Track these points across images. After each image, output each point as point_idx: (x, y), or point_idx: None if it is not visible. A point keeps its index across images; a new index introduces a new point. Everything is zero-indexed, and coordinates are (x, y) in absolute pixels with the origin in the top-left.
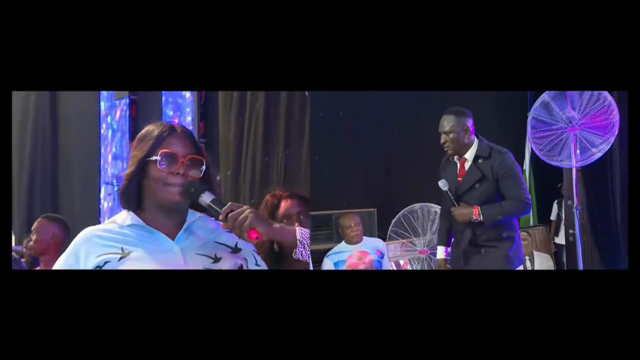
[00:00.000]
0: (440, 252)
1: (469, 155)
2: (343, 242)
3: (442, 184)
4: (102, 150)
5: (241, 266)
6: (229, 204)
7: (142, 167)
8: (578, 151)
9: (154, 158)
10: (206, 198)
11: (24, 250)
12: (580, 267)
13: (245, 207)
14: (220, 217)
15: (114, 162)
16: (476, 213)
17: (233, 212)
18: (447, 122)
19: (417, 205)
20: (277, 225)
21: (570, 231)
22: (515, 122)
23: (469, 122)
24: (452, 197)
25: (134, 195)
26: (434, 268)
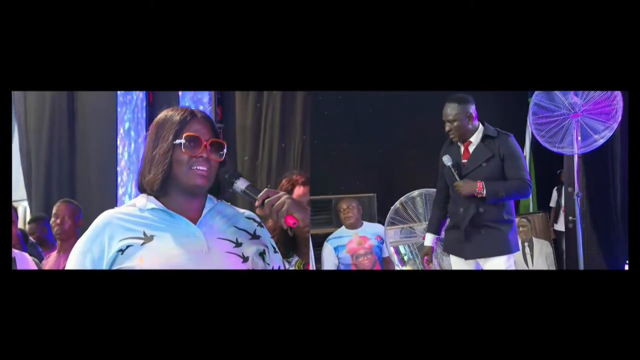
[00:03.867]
0: (429, 240)
1: (474, 138)
2: (343, 227)
3: (447, 159)
4: (119, 133)
5: (263, 251)
6: (265, 190)
7: (171, 155)
8: (579, 138)
9: (178, 141)
10: (241, 184)
11: (34, 237)
12: (580, 254)
13: (282, 192)
14: (257, 203)
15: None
16: (480, 186)
17: (270, 198)
18: (450, 110)
19: (415, 192)
20: None
21: (570, 218)
22: (516, 108)
23: (472, 108)
24: (455, 172)
25: (165, 183)
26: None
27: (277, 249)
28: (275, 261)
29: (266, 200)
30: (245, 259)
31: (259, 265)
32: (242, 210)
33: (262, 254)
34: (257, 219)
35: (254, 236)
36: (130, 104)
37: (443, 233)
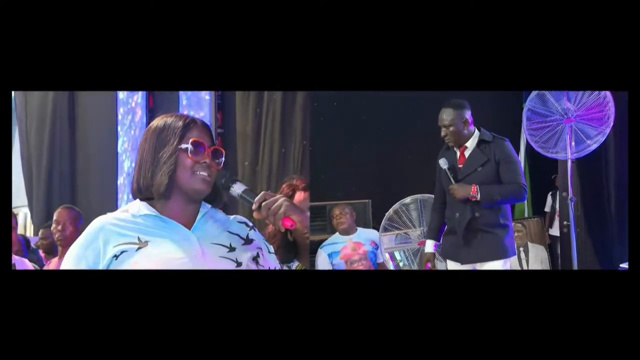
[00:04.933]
0: (429, 246)
1: (470, 143)
2: (337, 233)
3: (443, 162)
4: (120, 141)
5: (257, 255)
6: (262, 193)
7: (176, 158)
8: (573, 143)
9: (184, 146)
10: (238, 188)
11: (41, 242)
12: (575, 258)
13: (278, 195)
14: (254, 207)
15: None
16: (474, 190)
17: (267, 201)
18: (446, 116)
19: (407, 199)
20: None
21: (565, 222)
22: (510, 113)
23: (467, 114)
24: (451, 176)
25: (168, 187)
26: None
27: (272, 250)
28: (271, 262)
29: (263, 203)
30: (238, 264)
31: (253, 269)
32: (233, 216)
33: (255, 258)
34: (249, 223)
35: (247, 240)
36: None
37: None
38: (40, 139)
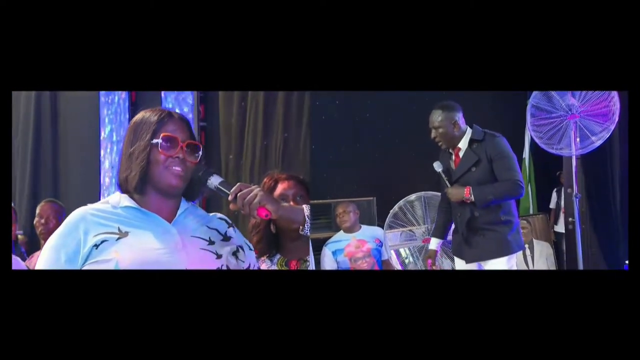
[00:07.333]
0: (433, 244)
1: (462, 144)
2: (341, 231)
3: (437, 166)
4: (102, 135)
5: (237, 250)
6: (237, 184)
7: (148, 153)
8: (578, 139)
9: (155, 141)
10: (214, 181)
11: (21, 237)
12: (580, 255)
13: (254, 186)
14: (230, 197)
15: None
16: (467, 193)
17: (242, 192)
18: (435, 118)
19: (412, 196)
20: (285, 204)
21: (570, 219)
22: (514, 109)
23: (457, 116)
24: (446, 179)
25: (142, 182)
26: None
27: (251, 247)
28: (251, 259)
29: (238, 194)
30: (219, 256)
31: (232, 263)
32: (213, 213)
33: (235, 253)
34: (229, 220)
35: (225, 237)
36: (112, 105)
37: (449, 237)
38: (25, 134)
